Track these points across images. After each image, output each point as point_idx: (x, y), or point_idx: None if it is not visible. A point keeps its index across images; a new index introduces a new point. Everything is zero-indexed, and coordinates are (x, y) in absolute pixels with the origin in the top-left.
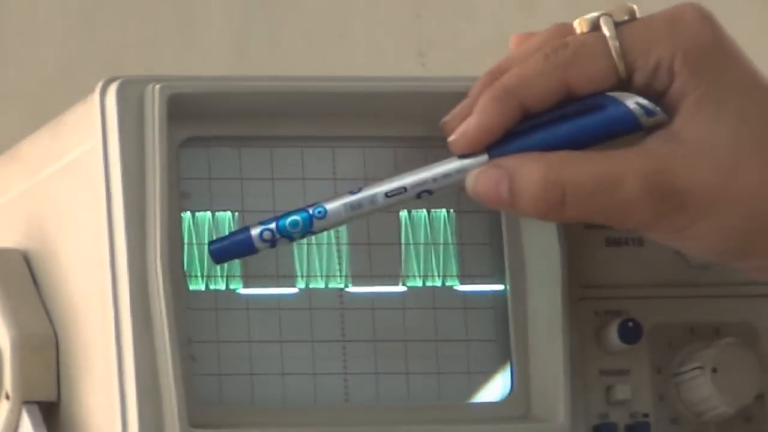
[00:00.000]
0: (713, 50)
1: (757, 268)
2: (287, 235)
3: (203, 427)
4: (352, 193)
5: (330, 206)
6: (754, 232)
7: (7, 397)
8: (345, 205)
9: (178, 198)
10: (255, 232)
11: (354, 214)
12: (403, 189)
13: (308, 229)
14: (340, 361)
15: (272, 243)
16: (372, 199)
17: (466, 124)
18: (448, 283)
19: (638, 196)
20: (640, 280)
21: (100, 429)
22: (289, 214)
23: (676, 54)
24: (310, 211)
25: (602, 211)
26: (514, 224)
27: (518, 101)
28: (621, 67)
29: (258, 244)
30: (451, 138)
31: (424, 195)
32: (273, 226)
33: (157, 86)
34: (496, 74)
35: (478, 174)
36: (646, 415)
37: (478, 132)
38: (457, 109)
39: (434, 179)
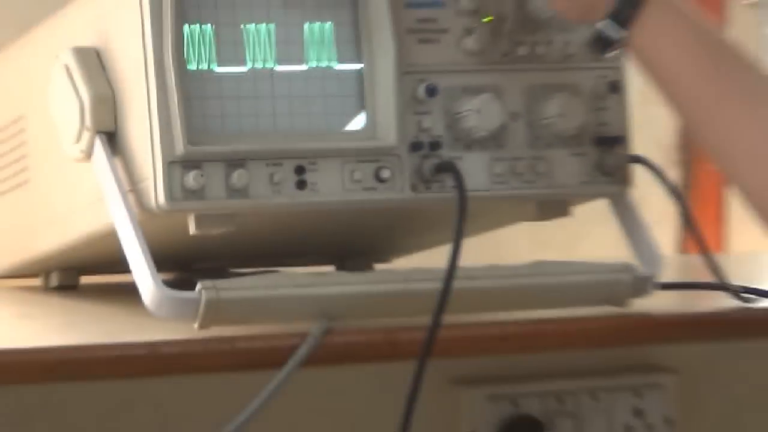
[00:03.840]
0: None
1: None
2: None
3: (198, 145)
4: None
5: None
6: None
7: (88, 130)
8: None
9: (183, 15)
10: None
11: None
12: None
13: None
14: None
15: None
16: None
17: None
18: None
19: None
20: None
21: (139, 148)
22: None
23: None
24: None
25: None
26: (382, 34)
27: None
28: None
29: None
30: None
31: None
32: None
33: None
34: None
35: None
36: (440, 136)
37: None
38: None
39: None
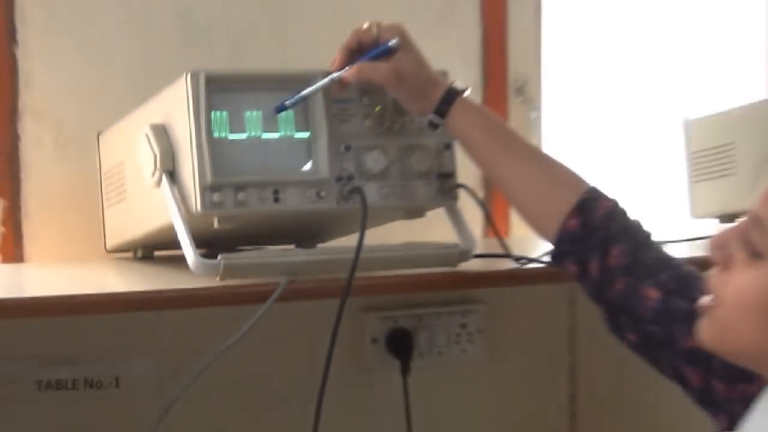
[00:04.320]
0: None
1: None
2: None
3: (219, 178)
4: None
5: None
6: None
7: (158, 170)
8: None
9: (211, 106)
10: (287, 101)
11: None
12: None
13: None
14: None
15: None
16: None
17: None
18: (294, 134)
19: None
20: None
21: (187, 180)
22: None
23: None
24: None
25: (376, 78)
26: (320, 118)
27: (348, 48)
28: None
29: (288, 105)
30: (334, 67)
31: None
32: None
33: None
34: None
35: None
36: (352, 173)
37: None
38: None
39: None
